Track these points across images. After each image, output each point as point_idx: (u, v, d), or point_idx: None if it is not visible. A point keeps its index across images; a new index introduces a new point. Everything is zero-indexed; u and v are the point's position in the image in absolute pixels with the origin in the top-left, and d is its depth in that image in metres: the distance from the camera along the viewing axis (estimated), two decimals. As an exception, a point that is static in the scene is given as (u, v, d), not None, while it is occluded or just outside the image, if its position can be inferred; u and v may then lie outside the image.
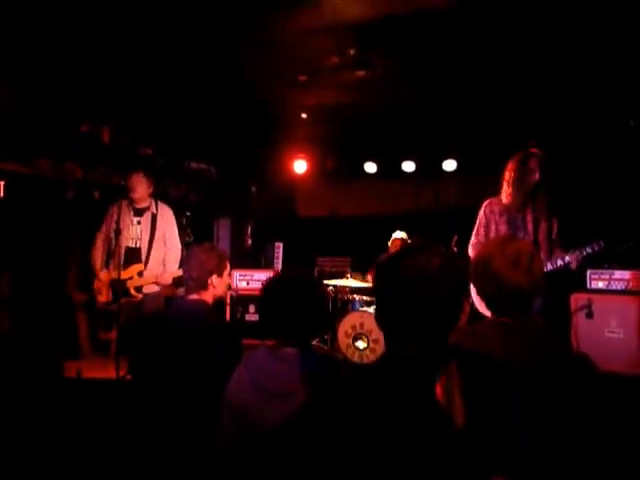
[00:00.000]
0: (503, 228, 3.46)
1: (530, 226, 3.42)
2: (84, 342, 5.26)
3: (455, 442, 1.05)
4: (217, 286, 2.39)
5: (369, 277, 6.07)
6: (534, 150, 3.48)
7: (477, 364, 1.16)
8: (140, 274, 4.07)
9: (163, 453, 2.00)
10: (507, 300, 1.51)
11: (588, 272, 4.58)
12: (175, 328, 2.25)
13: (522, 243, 1.69)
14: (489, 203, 3.58)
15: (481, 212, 3.60)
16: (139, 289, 4.08)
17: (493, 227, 3.50)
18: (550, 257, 3.33)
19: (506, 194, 3.47)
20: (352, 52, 4.02)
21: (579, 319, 4.35)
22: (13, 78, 4.25)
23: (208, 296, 2.37)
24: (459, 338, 1.19)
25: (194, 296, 2.35)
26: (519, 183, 3.41)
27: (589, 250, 3.21)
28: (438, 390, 1.09)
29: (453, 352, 1.16)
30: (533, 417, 1.24)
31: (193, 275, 2.33)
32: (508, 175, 3.47)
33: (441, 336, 1.17)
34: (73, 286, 5.17)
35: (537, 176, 3.38)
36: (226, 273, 2.45)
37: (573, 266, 3.24)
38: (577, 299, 4.40)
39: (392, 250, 6.06)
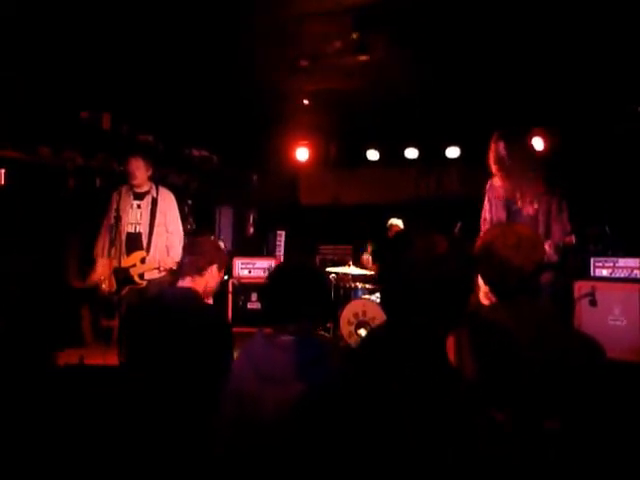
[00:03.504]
0: (502, 214, 3.45)
1: (526, 210, 3.41)
2: (86, 330, 5.28)
3: (466, 391, 1.07)
4: (214, 277, 2.39)
5: (363, 258, 6.10)
6: (499, 133, 3.46)
7: (488, 328, 1.17)
8: (143, 261, 4.05)
9: (160, 442, 2.00)
10: (511, 285, 1.51)
11: (592, 260, 4.56)
12: (165, 315, 2.24)
13: (522, 227, 1.70)
14: (490, 185, 3.59)
15: (486, 193, 3.63)
16: (142, 276, 4.06)
17: (494, 210, 3.52)
18: (549, 238, 3.31)
19: (495, 181, 3.52)
20: (354, 36, 3.97)
21: (582, 307, 4.33)
22: (13, 66, 4.22)
23: (200, 285, 2.36)
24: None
25: (186, 283, 2.34)
26: (502, 172, 3.43)
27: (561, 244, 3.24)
28: (449, 349, 1.10)
29: (464, 317, 1.17)
30: (537, 389, 1.24)
31: (192, 260, 2.32)
32: (489, 164, 3.51)
33: (449, 320, 1.16)
34: (74, 274, 5.17)
35: (506, 158, 3.37)
36: (222, 271, 2.47)
37: (553, 259, 3.25)
38: (581, 287, 4.38)
39: (391, 236, 6.07)
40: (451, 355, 1.11)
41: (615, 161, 5.29)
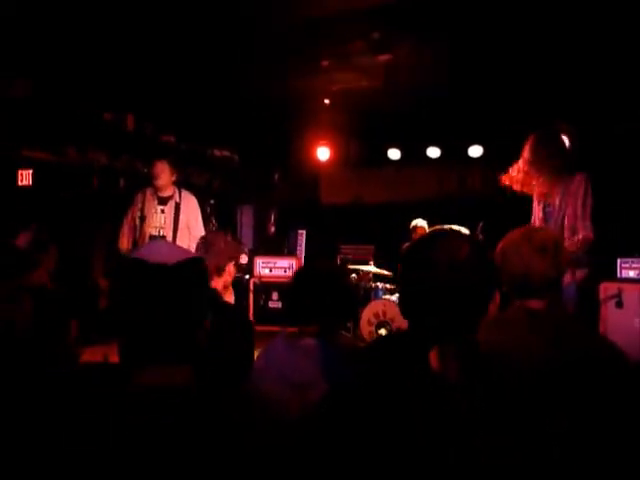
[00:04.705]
0: (540, 214, 3.40)
1: (557, 213, 3.34)
2: (110, 327, 5.36)
3: (448, 396, 1.06)
4: (231, 273, 2.41)
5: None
6: (532, 134, 3.39)
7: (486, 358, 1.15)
8: None
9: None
10: (534, 287, 1.50)
11: (618, 261, 4.48)
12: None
13: (547, 231, 1.68)
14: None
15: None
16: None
17: (535, 213, 3.47)
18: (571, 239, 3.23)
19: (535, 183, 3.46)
20: (376, 36, 3.96)
21: (608, 308, 4.25)
22: (38, 68, 4.31)
23: (219, 284, 2.36)
24: (485, 329, 1.17)
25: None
26: (532, 171, 3.37)
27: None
28: (432, 357, 1.09)
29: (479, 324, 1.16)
30: (553, 403, 1.23)
31: (212, 262, 2.32)
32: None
33: (468, 325, 1.15)
34: (99, 272, 5.26)
35: (529, 157, 3.31)
36: (234, 262, 2.47)
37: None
38: (607, 288, 4.29)
39: (415, 238, 6.00)
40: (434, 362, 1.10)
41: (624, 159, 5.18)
